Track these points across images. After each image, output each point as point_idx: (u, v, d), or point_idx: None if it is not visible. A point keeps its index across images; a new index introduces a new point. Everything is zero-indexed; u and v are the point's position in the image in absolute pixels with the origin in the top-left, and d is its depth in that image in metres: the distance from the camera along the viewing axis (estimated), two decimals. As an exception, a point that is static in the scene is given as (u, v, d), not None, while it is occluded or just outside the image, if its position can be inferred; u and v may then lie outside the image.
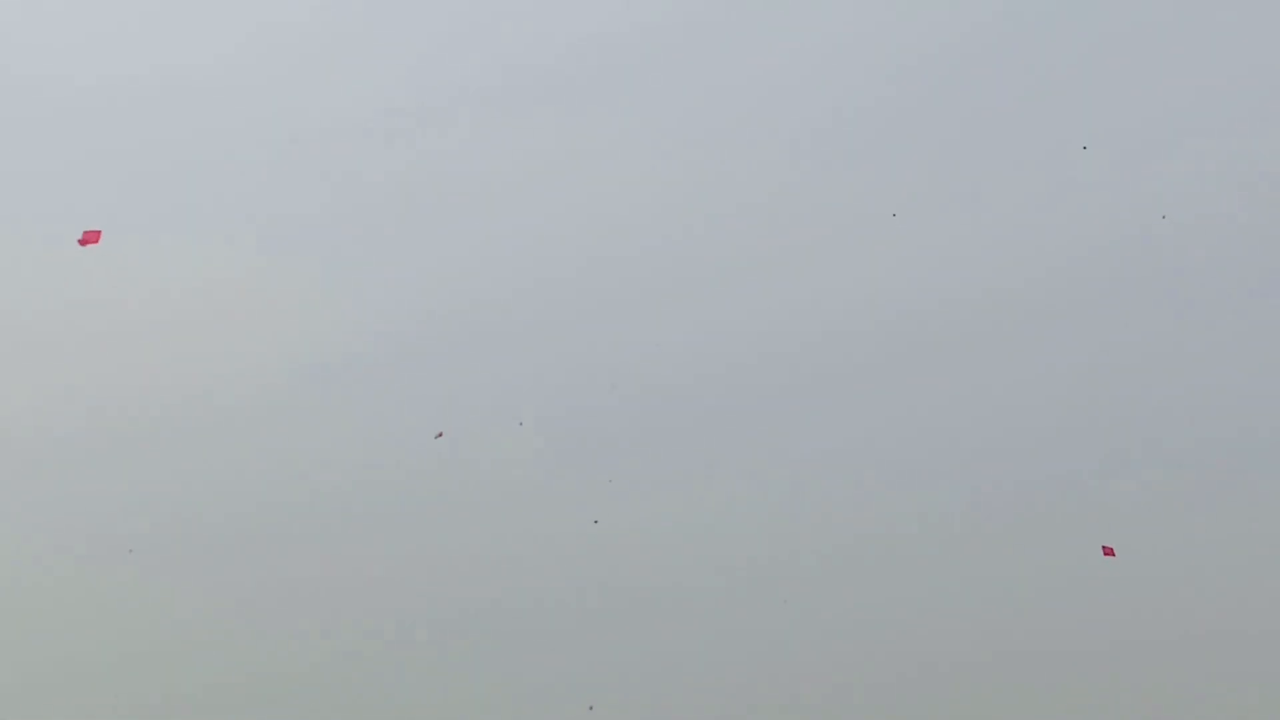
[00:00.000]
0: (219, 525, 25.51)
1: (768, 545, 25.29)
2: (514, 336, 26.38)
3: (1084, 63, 26.83)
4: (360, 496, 25.68)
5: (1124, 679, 24.20)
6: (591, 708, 24.52)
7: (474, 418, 25.95)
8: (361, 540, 25.53)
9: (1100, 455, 25.30)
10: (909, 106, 26.94)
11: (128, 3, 27.30)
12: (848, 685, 24.52)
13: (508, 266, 26.67)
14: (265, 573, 25.37)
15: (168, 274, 26.46)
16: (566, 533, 25.39)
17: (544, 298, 26.54)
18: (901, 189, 26.61)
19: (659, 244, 26.65)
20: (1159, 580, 24.43)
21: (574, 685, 24.62)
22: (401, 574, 25.35)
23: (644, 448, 25.79)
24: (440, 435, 25.66)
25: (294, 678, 24.90)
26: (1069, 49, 26.92)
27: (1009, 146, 26.67)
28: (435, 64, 27.31)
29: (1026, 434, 25.52)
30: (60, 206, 26.15)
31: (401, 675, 24.90)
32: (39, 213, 26.42)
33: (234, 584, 25.30)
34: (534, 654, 24.93)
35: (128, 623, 25.12)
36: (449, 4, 27.52)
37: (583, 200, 26.72)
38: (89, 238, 24.33)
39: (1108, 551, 24.67)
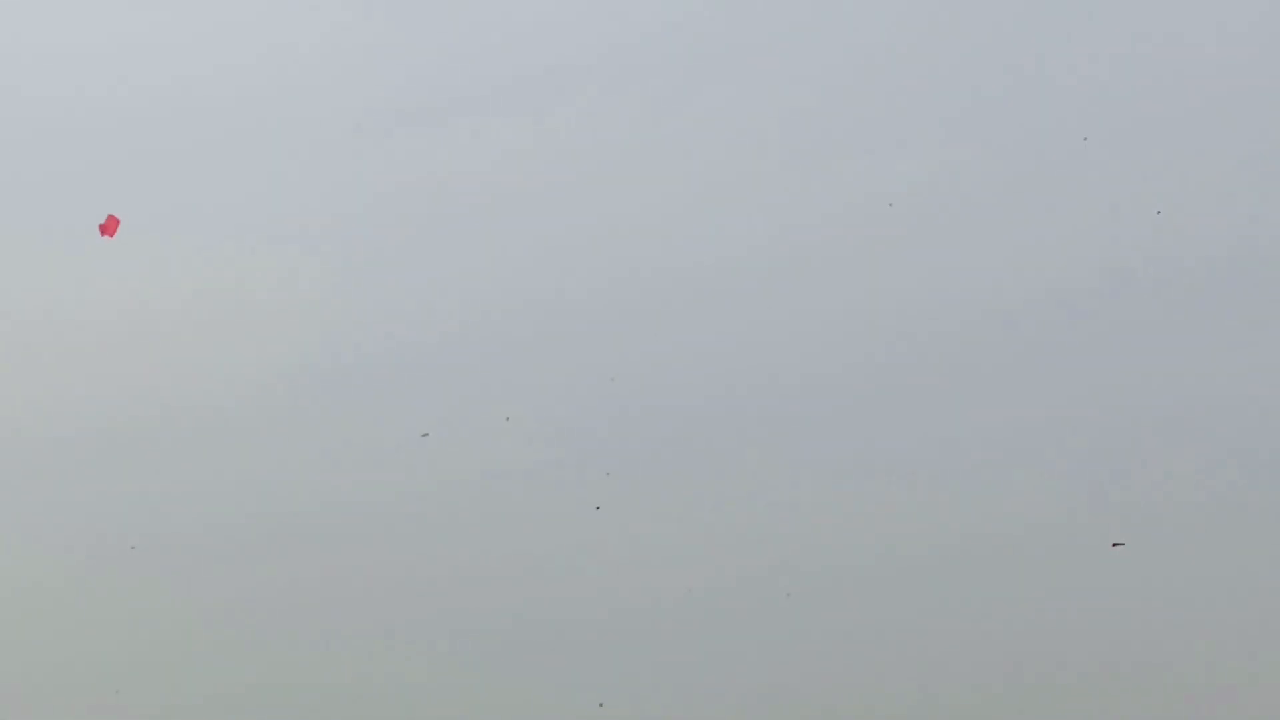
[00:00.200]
0: (224, 528, 25.57)
1: (775, 543, 25.27)
2: (529, 341, 26.53)
3: (1083, 54, 26.97)
4: (368, 497, 25.74)
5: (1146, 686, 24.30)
6: (601, 704, 24.54)
7: (482, 420, 26.03)
8: (367, 538, 25.60)
9: (1112, 455, 25.33)
10: (907, 99, 27.06)
11: (134, 10, 27.52)
12: (854, 684, 24.57)
13: (523, 270, 26.81)
14: (269, 575, 25.41)
15: (176, 276, 26.62)
16: (570, 530, 25.42)
17: (562, 302, 26.62)
18: (900, 182, 26.69)
19: (669, 246, 26.82)
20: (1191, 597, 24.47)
21: (584, 682, 24.59)
22: (406, 571, 25.40)
23: (648, 448, 25.84)
24: (426, 435, 25.63)
25: (295, 674, 24.90)
26: (1068, 40, 27.06)
27: (1008, 138, 26.81)
28: (447, 64, 27.42)
29: (1029, 432, 25.53)
30: (70, 210, 26.16)
31: (407, 671, 24.93)
32: (47, 215, 26.61)
33: (238, 586, 25.38)
34: (543, 650, 24.92)
35: (129, 627, 25.23)
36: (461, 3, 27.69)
37: (593, 202, 26.85)
38: (109, 225, 24.45)
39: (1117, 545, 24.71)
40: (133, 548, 25.41)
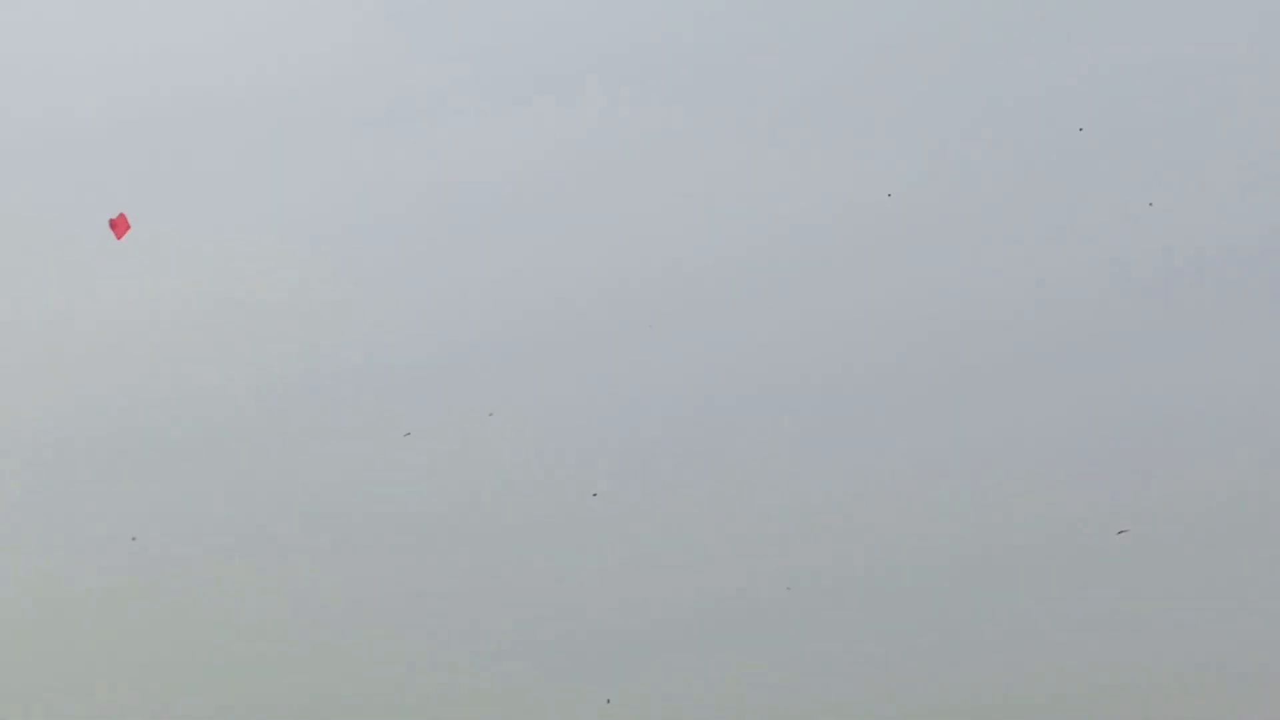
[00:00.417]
0: (233, 533, 25.62)
1: (772, 539, 25.31)
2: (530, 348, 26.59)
3: (1081, 45, 26.95)
4: (372, 496, 25.85)
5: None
6: (609, 700, 24.59)
7: (485, 419, 26.06)
8: (373, 535, 25.69)
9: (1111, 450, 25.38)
10: (904, 93, 27.02)
11: (144, 18, 27.61)
12: (858, 681, 24.68)
13: (530, 272, 26.88)
14: (272, 574, 25.44)
15: (183, 278, 26.67)
16: (581, 524, 25.56)
17: (569, 302, 26.69)
18: (898, 174, 26.65)
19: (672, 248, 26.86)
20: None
21: (591, 678, 24.64)
22: (414, 568, 25.46)
23: (651, 447, 25.97)
24: (409, 434, 25.64)
25: (297, 669, 24.91)
26: (1067, 30, 27.06)
27: (1004, 129, 26.83)
28: (451, 66, 27.50)
29: (1031, 425, 25.68)
30: (79, 214, 26.29)
31: (415, 667, 25.01)
32: (55, 219, 26.68)
33: (239, 585, 25.44)
34: (551, 645, 24.99)
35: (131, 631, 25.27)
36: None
37: (595, 203, 26.88)
38: (119, 225, 24.35)
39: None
40: (133, 538, 25.50)
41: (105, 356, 26.34)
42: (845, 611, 24.89)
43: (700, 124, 27.16)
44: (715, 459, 25.97)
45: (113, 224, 24.23)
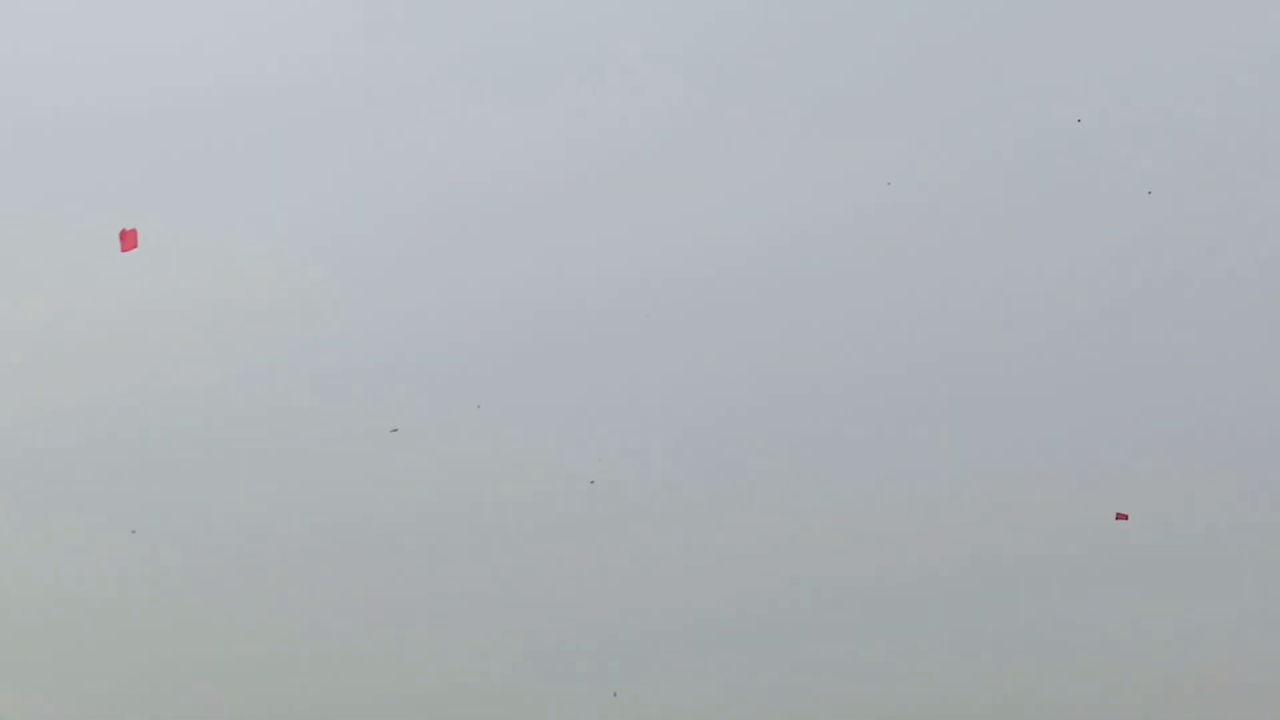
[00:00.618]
0: (236, 534, 25.56)
1: (779, 529, 25.38)
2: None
3: (1079, 36, 26.81)
4: (377, 494, 25.81)
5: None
6: (615, 694, 24.54)
7: (490, 419, 25.96)
8: (379, 536, 25.67)
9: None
10: (903, 86, 26.94)
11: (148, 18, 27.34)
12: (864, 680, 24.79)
13: (531, 275, 26.78)
14: (270, 577, 25.38)
15: (183, 279, 26.44)
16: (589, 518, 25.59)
17: (572, 307, 26.59)
18: (895, 163, 26.51)
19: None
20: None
21: (597, 671, 24.71)
22: (417, 568, 25.49)
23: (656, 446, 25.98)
24: (395, 430, 25.53)
25: (295, 667, 24.95)
26: (1064, 21, 26.94)
27: (1002, 120, 26.70)
28: (452, 65, 27.28)
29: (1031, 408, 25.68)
30: (81, 215, 26.27)
31: (421, 661, 25.00)
32: (60, 220, 26.44)
33: (239, 587, 25.37)
34: (557, 639, 24.96)
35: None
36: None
37: (601, 205, 26.76)
38: (128, 239, 24.42)
39: (1121, 516, 24.66)
40: (133, 531, 25.40)
41: (103, 355, 26.28)
42: (855, 617, 25.01)
43: (702, 125, 27.09)
44: (717, 459, 25.94)
45: (123, 235, 24.26)
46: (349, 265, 26.55)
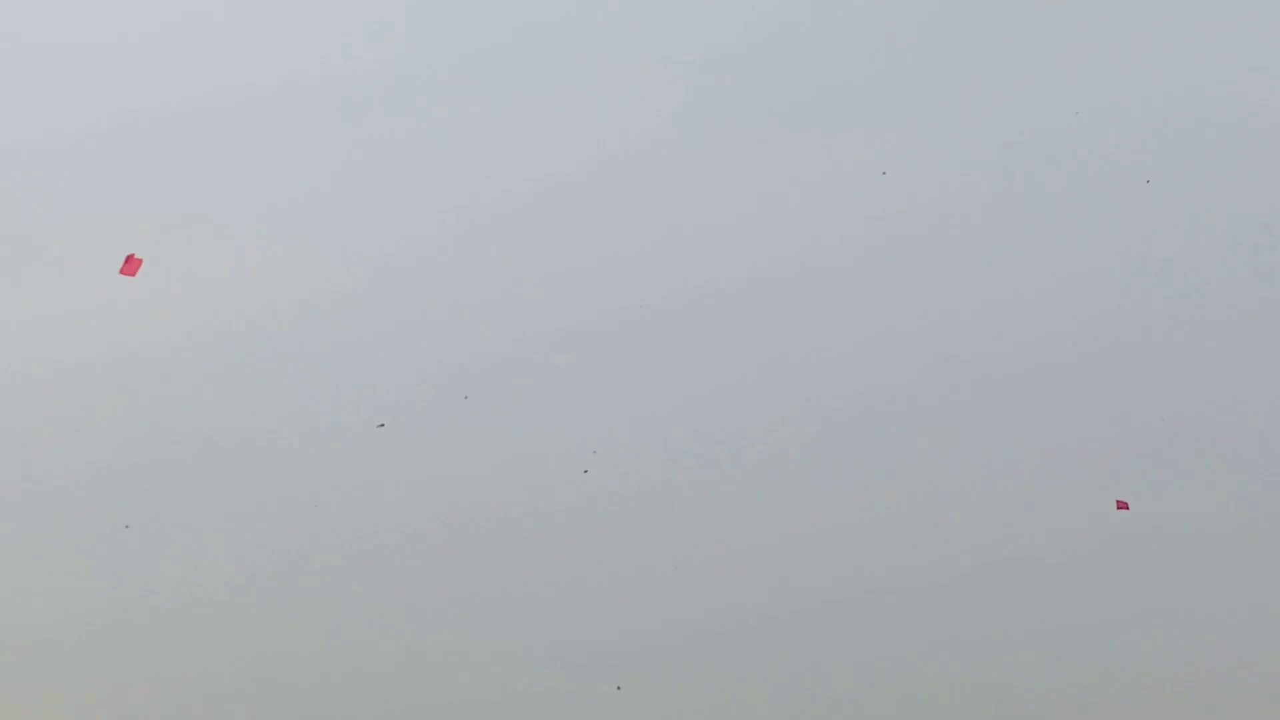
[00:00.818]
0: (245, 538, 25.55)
1: (780, 530, 25.39)
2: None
3: (1076, 27, 26.94)
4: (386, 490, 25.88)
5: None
6: (620, 687, 24.55)
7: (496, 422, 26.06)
8: (388, 539, 25.68)
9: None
10: (900, 72, 27.04)
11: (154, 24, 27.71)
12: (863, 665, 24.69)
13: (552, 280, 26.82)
14: (274, 579, 25.42)
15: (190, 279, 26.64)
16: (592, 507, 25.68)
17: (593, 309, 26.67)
18: (892, 151, 26.59)
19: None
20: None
21: (601, 665, 24.66)
22: (428, 558, 25.55)
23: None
24: (382, 425, 25.56)
25: (295, 659, 24.88)
26: (1063, 12, 27.06)
27: (998, 111, 26.77)
28: (455, 61, 27.53)
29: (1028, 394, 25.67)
30: (88, 218, 26.57)
31: (424, 658, 24.96)
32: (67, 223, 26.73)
33: (241, 587, 25.40)
34: (561, 633, 24.92)
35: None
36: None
37: (613, 205, 26.87)
38: (131, 266, 24.54)
39: (1121, 505, 24.60)
40: (126, 527, 25.40)
41: (107, 359, 26.48)
42: (860, 618, 24.95)
43: (706, 126, 27.30)
44: (717, 460, 25.95)
45: (129, 260, 24.34)
46: (357, 266, 26.75)
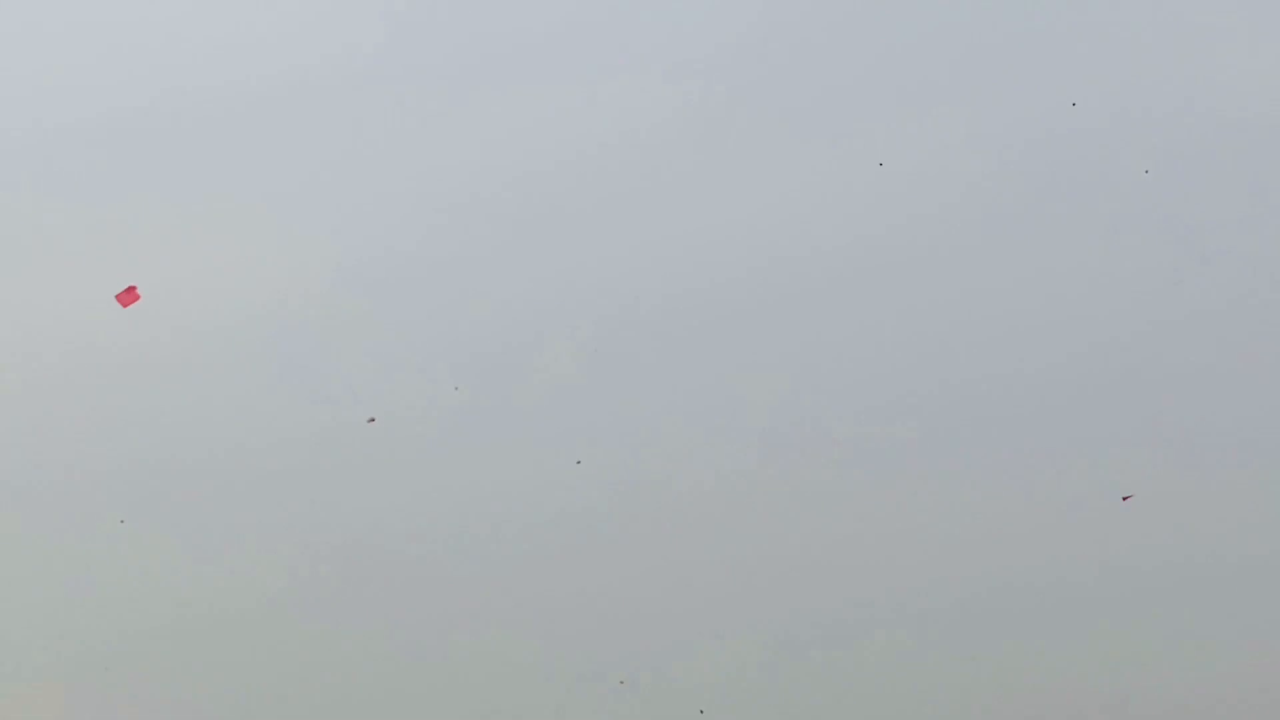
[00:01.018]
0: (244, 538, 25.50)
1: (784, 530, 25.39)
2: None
3: (1074, 19, 26.82)
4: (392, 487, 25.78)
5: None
6: (623, 682, 24.57)
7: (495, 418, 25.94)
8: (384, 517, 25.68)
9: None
10: (897, 58, 26.97)
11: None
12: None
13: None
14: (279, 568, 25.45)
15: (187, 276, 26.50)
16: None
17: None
18: (890, 140, 26.55)
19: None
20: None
21: (604, 658, 24.76)
22: (433, 554, 25.47)
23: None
24: (372, 420, 25.54)
25: (295, 656, 24.95)
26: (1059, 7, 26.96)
27: (996, 103, 26.70)
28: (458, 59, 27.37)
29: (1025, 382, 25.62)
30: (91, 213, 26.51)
31: (427, 655, 25.02)
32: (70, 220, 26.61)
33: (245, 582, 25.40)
34: (564, 628, 25.00)
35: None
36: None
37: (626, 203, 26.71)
38: (128, 296, 24.72)
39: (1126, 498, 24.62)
40: (122, 521, 25.37)
41: (106, 357, 26.29)
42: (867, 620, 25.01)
43: (710, 121, 27.20)
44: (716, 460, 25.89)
45: (129, 291, 24.61)
46: (359, 266, 26.65)
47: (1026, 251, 25.86)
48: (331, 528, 25.35)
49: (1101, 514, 24.76)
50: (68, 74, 26.84)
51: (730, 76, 26.57)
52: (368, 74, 26.69)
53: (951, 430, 25.43)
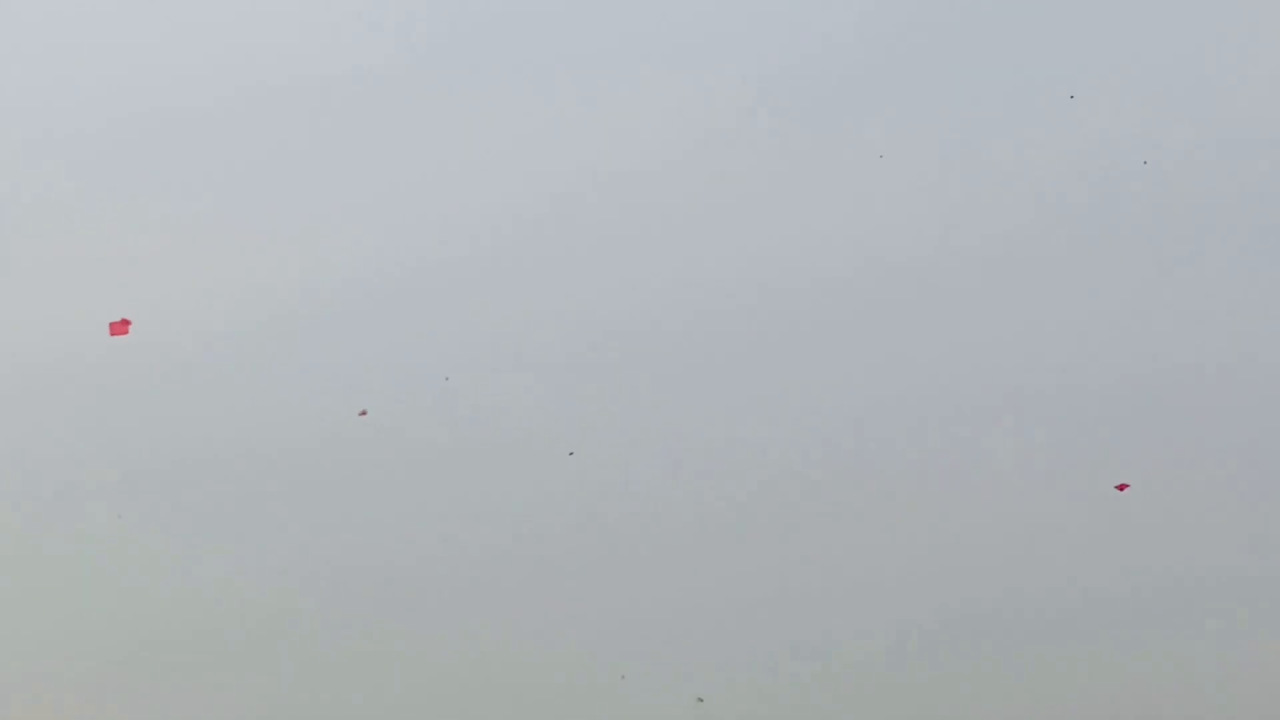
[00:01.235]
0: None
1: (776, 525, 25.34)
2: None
3: (1072, 12, 26.56)
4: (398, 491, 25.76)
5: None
6: (624, 677, 24.54)
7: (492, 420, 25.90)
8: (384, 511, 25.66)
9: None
10: (896, 51, 26.78)
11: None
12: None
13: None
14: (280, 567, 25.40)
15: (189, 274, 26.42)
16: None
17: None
18: (888, 135, 26.43)
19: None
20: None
21: (605, 650, 24.69)
22: (437, 550, 25.47)
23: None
24: (364, 413, 25.54)
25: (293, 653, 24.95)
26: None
27: (995, 97, 26.51)
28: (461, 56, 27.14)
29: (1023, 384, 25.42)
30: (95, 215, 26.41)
31: (426, 654, 25.02)
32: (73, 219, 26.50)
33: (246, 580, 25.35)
34: (563, 625, 24.95)
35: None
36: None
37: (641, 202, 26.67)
38: (119, 328, 24.75)
39: (1121, 487, 24.53)
40: (119, 516, 25.41)
41: (104, 356, 26.08)
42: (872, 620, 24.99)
43: (717, 132, 27.02)
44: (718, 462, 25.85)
45: (122, 324, 24.63)
46: (357, 265, 26.56)
47: (1042, 262, 25.80)
48: (329, 525, 25.33)
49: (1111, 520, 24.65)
50: (67, 82, 26.87)
51: (741, 81, 26.48)
52: (368, 74, 26.67)
53: (951, 430, 25.36)
